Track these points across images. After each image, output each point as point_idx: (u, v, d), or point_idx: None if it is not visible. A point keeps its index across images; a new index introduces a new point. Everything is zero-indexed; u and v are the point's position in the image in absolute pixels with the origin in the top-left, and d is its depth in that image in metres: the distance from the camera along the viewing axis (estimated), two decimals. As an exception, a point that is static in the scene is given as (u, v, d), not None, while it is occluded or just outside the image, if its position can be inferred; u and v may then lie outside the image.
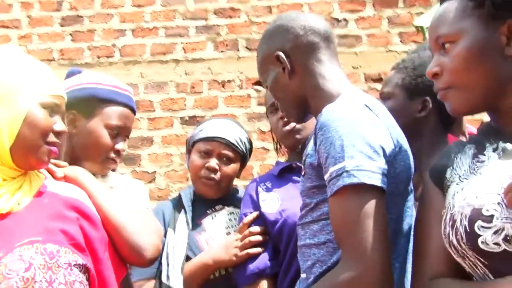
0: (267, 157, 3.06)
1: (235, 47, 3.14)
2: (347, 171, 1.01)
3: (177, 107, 3.10)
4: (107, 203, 1.19)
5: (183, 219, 1.66)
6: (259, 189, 1.60)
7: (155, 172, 3.05)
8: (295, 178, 1.58)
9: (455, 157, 1.01)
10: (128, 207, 1.23)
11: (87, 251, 1.09)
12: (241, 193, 1.83)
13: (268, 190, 1.59)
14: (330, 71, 1.22)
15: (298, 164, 1.59)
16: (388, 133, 1.10)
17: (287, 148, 1.70)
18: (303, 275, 1.16)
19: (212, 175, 1.70)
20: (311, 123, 1.58)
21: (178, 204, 1.73)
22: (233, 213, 1.73)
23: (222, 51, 3.14)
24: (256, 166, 3.03)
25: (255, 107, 3.11)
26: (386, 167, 1.04)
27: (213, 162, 1.71)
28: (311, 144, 1.15)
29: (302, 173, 1.18)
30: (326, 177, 1.06)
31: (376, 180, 1.01)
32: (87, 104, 1.35)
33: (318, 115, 1.13)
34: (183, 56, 3.14)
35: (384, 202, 1.03)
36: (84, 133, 1.35)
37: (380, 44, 3.10)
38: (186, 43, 3.14)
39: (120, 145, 1.38)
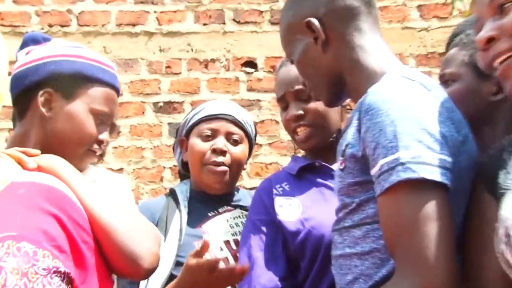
0: (260, 154, 3.04)
1: (220, 19, 3.11)
2: (402, 164, 1.00)
3: (149, 90, 3.05)
4: (94, 200, 1.16)
5: (177, 222, 1.63)
6: (274, 191, 1.57)
7: (122, 169, 3.00)
8: (319, 180, 1.55)
9: (510, 157, 1.00)
10: (119, 205, 1.20)
11: (71, 256, 1.05)
12: (245, 194, 1.80)
13: (285, 193, 1.55)
14: (372, 42, 1.21)
15: (323, 163, 1.57)
16: (450, 119, 1.09)
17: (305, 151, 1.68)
18: (340, 293, 1.14)
19: (221, 158, 1.68)
20: (333, 115, 1.57)
21: (170, 203, 1.69)
22: (239, 216, 1.70)
23: (204, 24, 3.11)
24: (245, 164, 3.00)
25: (244, 92, 3.09)
26: (449, 159, 1.03)
27: (221, 142, 1.69)
28: (352, 131, 1.14)
29: (341, 167, 1.16)
30: (374, 171, 1.05)
31: (438, 175, 1.00)
32: (68, 81, 1.30)
33: (363, 97, 1.11)
34: (157, 28, 3.10)
35: (448, 202, 1.01)
36: (63, 117, 1.29)
37: (395, 20, 3.11)
38: (161, 13, 3.10)
39: (104, 135, 1.33)
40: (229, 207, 1.72)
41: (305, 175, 1.59)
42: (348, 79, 1.21)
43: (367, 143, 1.06)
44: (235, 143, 1.72)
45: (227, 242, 1.65)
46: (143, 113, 3.05)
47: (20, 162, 1.17)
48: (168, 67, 3.08)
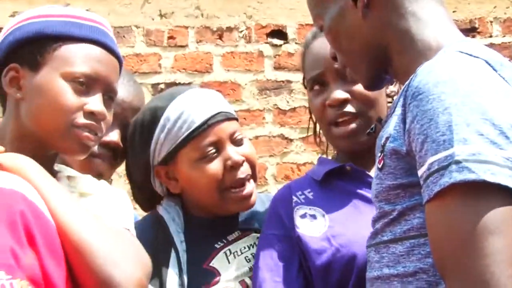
0: (289, 151, 3.08)
1: (239, -26, 3.13)
2: (457, 162, 1.03)
3: (146, 68, 3.10)
4: (67, 211, 1.22)
5: (172, 266, 1.60)
6: (294, 199, 1.62)
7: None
8: (351, 188, 1.60)
9: None
10: (101, 222, 1.26)
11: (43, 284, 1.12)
12: (257, 205, 1.80)
13: (308, 202, 1.61)
14: (429, 9, 1.24)
15: (355, 167, 1.61)
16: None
17: (341, 151, 1.71)
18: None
19: (243, 172, 1.64)
20: (382, 102, 1.61)
21: (159, 236, 1.65)
22: (255, 244, 1.66)
23: (219, -19, 3.13)
24: (271, 166, 3.06)
25: (270, 71, 3.12)
26: None
27: (233, 153, 1.63)
28: (394, 121, 1.18)
29: (379, 165, 1.20)
30: (421, 171, 1.08)
31: (504, 177, 1.02)
32: (30, 48, 1.35)
33: (411, 77, 1.14)
34: (157, -13, 3.13)
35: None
36: (33, 94, 1.34)
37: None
38: (162, -34, 3.13)
39: (95, 104, 1.35)
40: (241, 232, 1.71)
41: (333, 182, 1.63)
42: (394, 55, 1.25)
43: (413, 136, 1.09)
44: (240, 140, 1.68)
45: (242, 283, 1.64)
46: (139, 97, 3.10)
47: None
48: (171, 37, 3.12)
